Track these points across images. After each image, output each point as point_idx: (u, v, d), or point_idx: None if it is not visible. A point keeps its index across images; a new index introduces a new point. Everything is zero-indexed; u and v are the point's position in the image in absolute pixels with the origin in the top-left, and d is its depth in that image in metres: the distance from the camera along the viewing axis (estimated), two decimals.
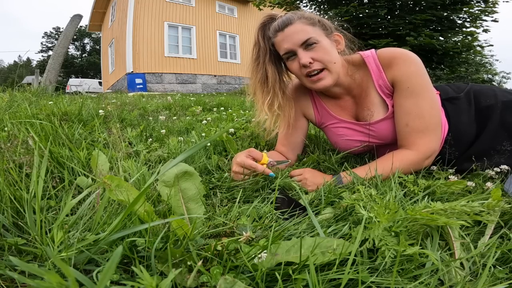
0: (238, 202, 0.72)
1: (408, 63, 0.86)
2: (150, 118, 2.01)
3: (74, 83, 17.70)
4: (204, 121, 1.85)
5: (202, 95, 5.54)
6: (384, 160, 0.86)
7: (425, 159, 0.87)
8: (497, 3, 6.88)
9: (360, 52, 0.97)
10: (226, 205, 0.76)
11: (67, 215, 0.57)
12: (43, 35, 35.58)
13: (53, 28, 39.43)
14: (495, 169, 0.86)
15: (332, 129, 1.05)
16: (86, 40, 37.62)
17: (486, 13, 6.93)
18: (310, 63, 0.87)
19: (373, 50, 0.94)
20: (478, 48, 7.32)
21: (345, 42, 0.96)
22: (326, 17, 0.98)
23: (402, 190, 0.74)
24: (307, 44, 0.87)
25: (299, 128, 1.11)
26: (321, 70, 0.89)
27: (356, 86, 0.97)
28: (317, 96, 1.08)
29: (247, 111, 2.34)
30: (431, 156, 0.88)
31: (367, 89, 0.94)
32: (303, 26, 0.88)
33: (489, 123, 0.90)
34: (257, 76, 0.98)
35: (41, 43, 35.85)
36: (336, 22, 0.98)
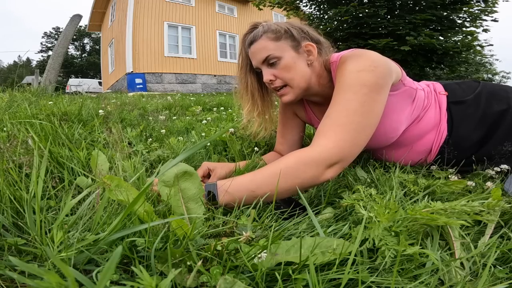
0: None
1: (355, 59, 0.78)
2: (150, 118, 2.01)
3: (74, 83, 17.73)
4: (204, 121, 1.85)
5: (202, 95, 5.54)
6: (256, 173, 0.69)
7: (326, 166, 0.67)
8: (496, 3, 6.88)
9: (333, 55, 0.89)
10: None
11: (67, 215, 0.57)
12: (43, 35, 35.66)
13: (53, 28, 39.43)
14: (495, 168, 0.86)
15: None
16: (86, 40, 37.65)
17: (486, 13, 6.93)
18: (271, 80, 0.87)
19: (343, 52, 0.86)
20: (478, 48, 7.31)
21: (318, 50, 0.88)
22: (300, 25, 0.90)
23: (402, 190, 0.74)
24: (268, 62, 0.86)
25: (294, 126, 1.13)
26: (284, 86, 0.88)
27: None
28: (305, 101, 1.09)
29: None
30: (337, 164, 0.68)
31: None
32: (266, 43, 0.85)
33: (498, 130, 0.86)
34: (241, 83, 1.00)
35: (41, 43, 35.99)
36: (308, 30, 0.90)
